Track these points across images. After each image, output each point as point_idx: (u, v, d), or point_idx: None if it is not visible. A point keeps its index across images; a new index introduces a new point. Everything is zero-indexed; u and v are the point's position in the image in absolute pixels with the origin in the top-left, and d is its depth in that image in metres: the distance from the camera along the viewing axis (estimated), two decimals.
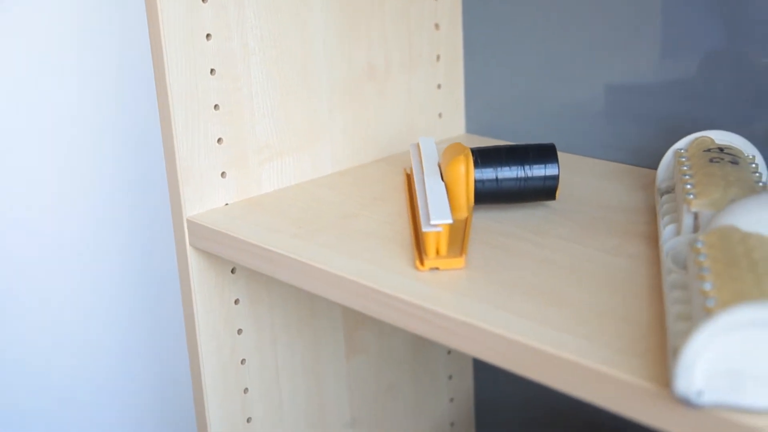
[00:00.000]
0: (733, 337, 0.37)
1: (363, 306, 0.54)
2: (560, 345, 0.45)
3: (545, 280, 0.52)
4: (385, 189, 0.70)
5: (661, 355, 0.43)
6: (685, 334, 0.41)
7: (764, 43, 0.64)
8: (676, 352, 0.40)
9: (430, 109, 0.82)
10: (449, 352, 0.90)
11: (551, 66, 0.77)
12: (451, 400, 0.92)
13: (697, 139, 0.61)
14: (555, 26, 0.76)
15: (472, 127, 0.84)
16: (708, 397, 0.38)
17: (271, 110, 0.69)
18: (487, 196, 0.62)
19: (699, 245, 0.46)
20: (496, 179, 0.62)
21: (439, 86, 0.82)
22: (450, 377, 0.91)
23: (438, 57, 0.81)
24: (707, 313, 0.39)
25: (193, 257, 0.66)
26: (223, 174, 0.67)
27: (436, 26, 0.81)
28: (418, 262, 0.55)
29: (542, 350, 0.45)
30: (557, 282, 0.52)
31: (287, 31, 0.69)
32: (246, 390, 0.73)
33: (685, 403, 0.39)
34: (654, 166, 0.70)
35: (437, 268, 0.55)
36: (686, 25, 0.67)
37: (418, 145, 0.71)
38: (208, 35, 0.64)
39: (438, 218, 0.55)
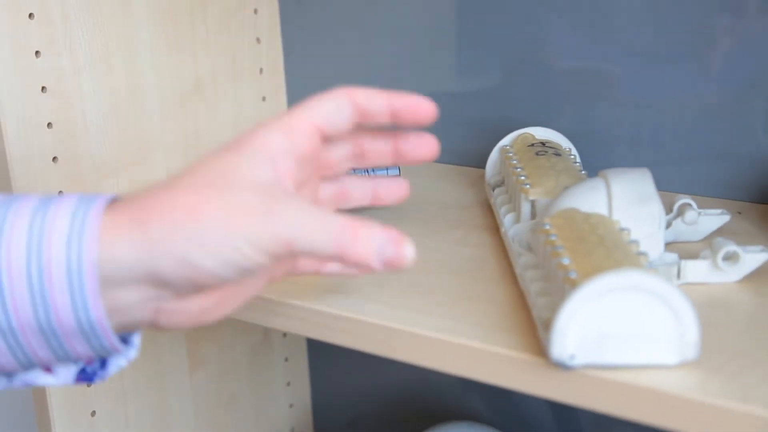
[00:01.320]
0: (597, 303, 0.42)
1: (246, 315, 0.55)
2: (435, 328, 0.48)
3: (404, 273, 0.55)
4: None
5: (527, 328, 0.48)
6: (551, 306, 0.46)
7: (562, 51, 0.71)
8: (546, 322, 0.45)
9: (257, 121, 0.83)
10: (287, 359, 0.92)
11: (373, 76, 0.81)
12: (291, 405, 0.94)
13: (519, 135, 0.67)
14: (373, 37, 0.80)
15: None
16: (579, 360, 0.43)
17: (105, 126, 0.68)
18: None
19: (547, 227, 0.51)
20: None
21: (264, 98, 0.84)
22: (288, 384, 0.93)
23: (261, 70, 0.83)
24: (572, 285, 0.44)
25: None
26: (60, 193, 0.65)
27: (258, 40, 0.82)
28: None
29: (418, 334, 0.48)
30: (415, 274, 0.55)
31: (114, 47, 0.68)
32: (93, 413, 0.71)
33: (561, 366, 0.43)
34: (479, 164, 0.75)
35: None
36: (495, 37, 0.73)
37: None
38: (37, 52, 0.63)
39: None
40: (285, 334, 0.91)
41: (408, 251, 0.41)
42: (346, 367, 0.93)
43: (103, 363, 0.44)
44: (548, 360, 0.43)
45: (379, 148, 0.51)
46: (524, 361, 0.45)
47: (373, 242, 0.41)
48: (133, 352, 0.44)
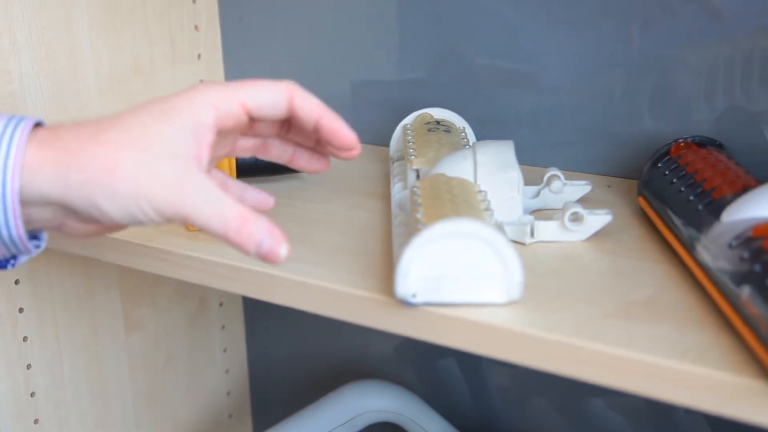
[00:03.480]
0: (435, 247, 0.48)
1: (145, 264, 0.61)
2: (313, 275, 0.55)
3: (297, 231, 0.62)
4: None
5: (390, 276, 0.54)
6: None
7: (478, 46, 0.77)
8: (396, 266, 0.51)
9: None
10: (223, 327, 0.98)
11: (305, 65, 0.87)
12: (227, 371, 1.00)
13: (419, 115, 0.73)
14: (306, 27, 0.86)
15: None
16: (420, 298, 0.49)
17: (44, 106, 0.75)
18: (247, 170, 0.71)
19: (415, 189, 0.57)
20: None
21: (201, 81, 0.90)
22: (225, 350, 0.99)
23: (199, 56, 0.90)
24: (417, 233, 0.50)
25: None
26: None
27: (196, 27, 0.89)
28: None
29: (299, 281, 0.54)
30: (307, 230, 0.62)
31: (54, 28, 0.75)
32: (29, 366, 0.77)
33: (405, 304, 0.49)
34: (388, 143, 0.82)
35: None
36: (420, 33, 0.80)
37: None
38: None
39: None
40: (221, 303, 0.98)
41: (282, 251, 0.47)
42: (282, 334, 0.99)
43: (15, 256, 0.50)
44: (395, 298, 0.50)
45: (281, 147, 0.55)
46: (378, 301, 0.51)
47: (255, 236, 0.47)
48: (42, 245, 0.50)
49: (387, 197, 0.69)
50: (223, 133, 0.50)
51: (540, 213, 0.63)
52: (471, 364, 0.88)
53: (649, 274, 0.53)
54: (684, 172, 0.58)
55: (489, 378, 0.88)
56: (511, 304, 0.49)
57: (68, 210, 0.46)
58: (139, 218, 0.46)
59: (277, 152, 0.56)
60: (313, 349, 0.98)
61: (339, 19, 0.84)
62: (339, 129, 0.51)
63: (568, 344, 0.46)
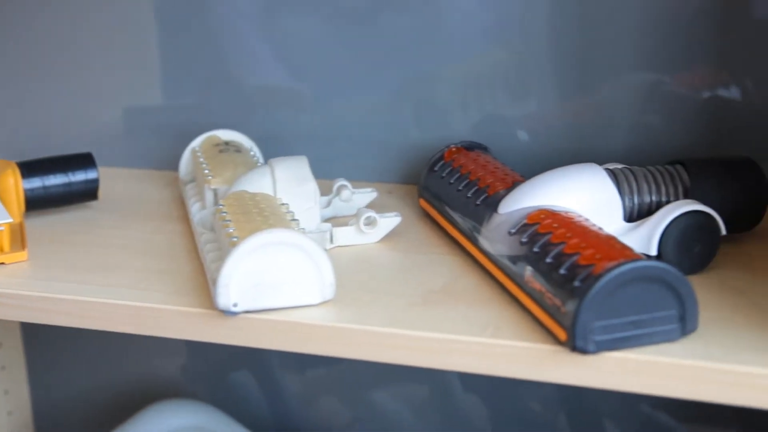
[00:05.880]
0: (253, 257, 0.52)
1: None
2: (122, 297, 0.56)
3: (101, 258, 0.63)
4: None
5: (205, 290, 0.57)
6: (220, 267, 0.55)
7: (252, 69, 0.81)
8: (215, 279, 0.54)
9: None
10: (3, 368, 0.95)
11: (74, 96, 0.87)
12: (9, 413, 0.96)
13: (207, 137, 0.76)
14: (71, 60, 0.86)
15: (7, 153, 0.90)
16: (241, 306, 0.53)
17: None
18: (37, 202, 0.70)
19: (221, 207, 0.60)
20: (44, 187, 0.70)
21: None
22: (6, 392, 0.95)
23: None
24: (234, 246, 0.53)
25: None
26: None
27: None
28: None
29: (109, 303, 0.56)
30: (112, 257, 0.63)
31: None
32: None
33: (227, 313, 0.52)
34: (176, 168, 0.83)
35: (3, 263, 0.62)
36: (195, 56, 0.82)
37: None
38: None
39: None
40: (0, 344, 0.94)
41: None
42: (66, 369, 0.97)
43: None
44: (217, 310, 0.53)
45: None
46: (200, 314, 0.54)
47: None
48: None
49: (183, 219, 0.71)
50: None
51: (334, 220, 0.68)
52: (264, 373, 0.92)
53: (441, 265, 0.60)
54: (459, 174, 0.65)
55: (282, 385, 0.92)
56: (325, 303, 0.54)
57: None
58: None
59: None
60: (101, 379, 0.97)
61: (103, 49, 0.85)
62: None
63: (382, 333, 0.51)
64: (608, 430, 0.81)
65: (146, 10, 0.83)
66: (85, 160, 0.72)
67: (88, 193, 0.72)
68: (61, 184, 0.71)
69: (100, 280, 0.59)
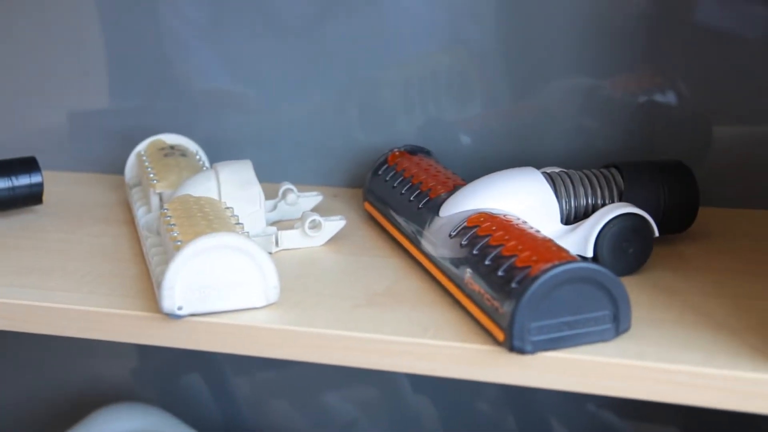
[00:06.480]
0: (197, 260, 0.52)
1: None
2: (67, 300, 0.56)
3: (45, 262, 0.63)
4: None
5: (150, 294, 0.57)
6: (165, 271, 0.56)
7: (191, 71, 0.81)
8: (160, 283, 0.54)
9: None
10: None
11: (16, 97, 0.86)
12: None
13: (152, 141, 0.76)
14: (11, 64, 0.85)
15: None
16: (186, 310, 0.53)
17: None
18: None
19: (165, 211, 0.60)
20: None
21: None
22: None
23: None
24: (178, 250, 0.54)
25: None
26: None
27: None
28: None
29: (52, 307, 0.56)
30: (56, 261, 0.63)
31: None
32: None
33: (172, 317, 0.53)
34: (121, 171, 0.83)
35: None
36: (124, 59, 0.82)
37: None
38: None
39: None
40: None
41: None
42: (11, 376, 0.96)
43: None
44: (162, 313, 0.53)
45: None
46: (144, 317, 0.54)
47: None
48: None
49: (129, 222, 0.71)
50: None
51: (279, 224, 0.68)
52: (215, 376, 0.92)
53: (385, 268, 0.61)
54: (402, 177, 0.66)
55: (233, 387, 0.92)
56: (269, 306, 0.54)
57: None
58: None
59: None
60: (48, 384, 0.96)
61: (47, 52, 0.84)
62: None
63: (326, 335, 0.52)
64: (556, 430, 0.83)
65: (91, 13, 0.83)
66: (29, 164, 0.72)
67: (32, 197, 0.72)
68: (4, 188, 0.71)
69: (43, 284, 0.59)
